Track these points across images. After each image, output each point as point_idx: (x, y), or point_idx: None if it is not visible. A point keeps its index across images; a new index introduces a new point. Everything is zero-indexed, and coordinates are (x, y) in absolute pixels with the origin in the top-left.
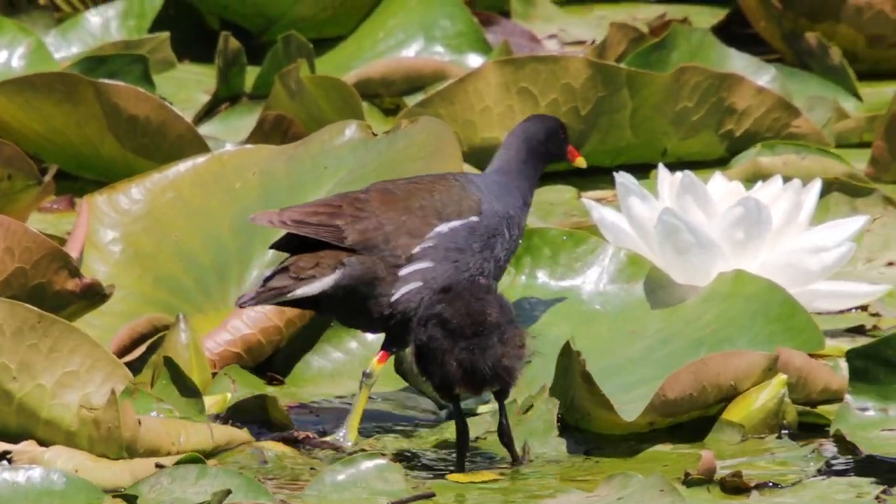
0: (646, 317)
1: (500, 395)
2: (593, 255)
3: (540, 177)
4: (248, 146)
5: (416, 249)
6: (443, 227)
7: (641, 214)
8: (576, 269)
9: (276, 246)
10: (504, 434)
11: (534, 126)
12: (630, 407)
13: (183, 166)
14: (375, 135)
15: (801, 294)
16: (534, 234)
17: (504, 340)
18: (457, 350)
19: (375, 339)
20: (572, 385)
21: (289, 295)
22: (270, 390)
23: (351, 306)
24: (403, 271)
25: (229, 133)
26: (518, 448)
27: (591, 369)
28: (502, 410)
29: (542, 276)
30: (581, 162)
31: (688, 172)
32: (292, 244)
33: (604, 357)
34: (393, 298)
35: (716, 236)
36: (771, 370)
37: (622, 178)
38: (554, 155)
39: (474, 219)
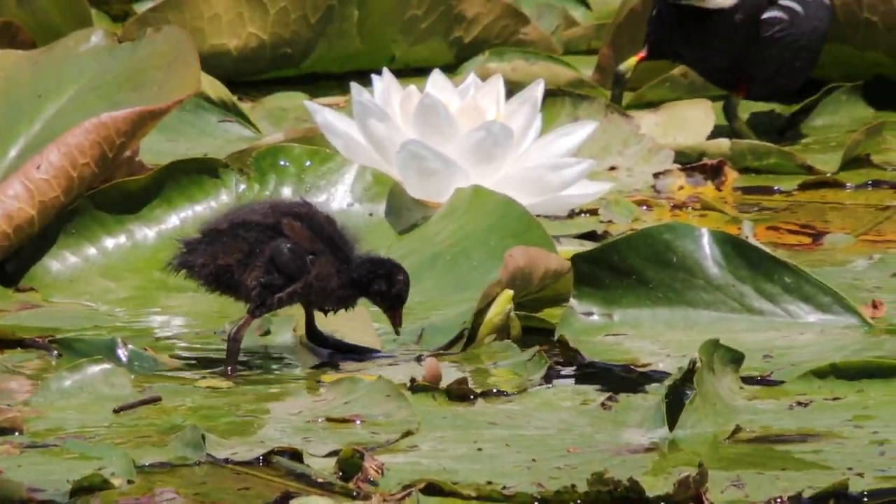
0: (387, 236)
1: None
2: (338, 174)
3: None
4: None
5: None
6: None
7: (380, 134)
8: (320, 187)
9: None
10: (228, 340)
11: None
12: None
13: None
14: (121, 41)
15: (536, 204)
16: (279, 152)
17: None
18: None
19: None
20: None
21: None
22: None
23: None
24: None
25: None
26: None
27: None
28: (239, 322)
29: (287, 194)
30: None
31: (429, 93)
32: None
33: None
34: (764, 16)
35: (459, 158)
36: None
37: (360, 96)
38: None
39: None
